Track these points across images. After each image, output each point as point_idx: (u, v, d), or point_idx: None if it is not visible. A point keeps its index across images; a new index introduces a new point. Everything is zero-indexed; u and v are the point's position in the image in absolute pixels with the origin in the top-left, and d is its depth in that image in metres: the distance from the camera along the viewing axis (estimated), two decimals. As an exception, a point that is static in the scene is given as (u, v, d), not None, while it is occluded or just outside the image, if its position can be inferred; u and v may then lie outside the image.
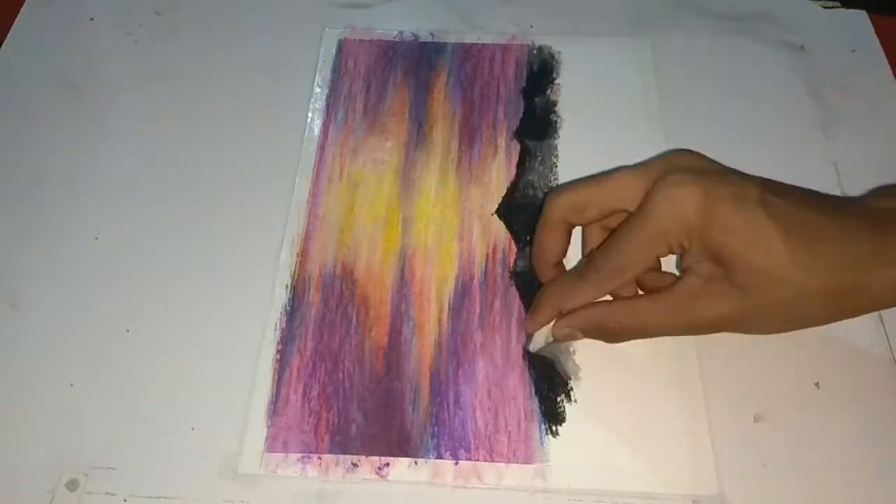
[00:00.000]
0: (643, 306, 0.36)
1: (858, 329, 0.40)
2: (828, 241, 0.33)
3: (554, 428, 0.37)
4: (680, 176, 0.34)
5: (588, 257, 0.37)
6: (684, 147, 0.37)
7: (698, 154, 0.36)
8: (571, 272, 0.38)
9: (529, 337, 0.39)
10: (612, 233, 0.36)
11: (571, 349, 0.39)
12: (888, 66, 0.50)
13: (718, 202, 0.33)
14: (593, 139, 0.47)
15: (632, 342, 0.37)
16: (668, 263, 0.38)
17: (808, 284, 0.33)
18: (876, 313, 0.40)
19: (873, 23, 0.53)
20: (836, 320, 0.35)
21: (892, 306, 0.34)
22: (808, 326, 0.35)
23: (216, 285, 0.41)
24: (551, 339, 0.38)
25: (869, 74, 0.50)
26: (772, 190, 0.34)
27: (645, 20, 0.53)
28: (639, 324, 0.36)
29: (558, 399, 0.38)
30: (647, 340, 0.39)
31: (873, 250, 0.33)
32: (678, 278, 0.35)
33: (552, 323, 0.37)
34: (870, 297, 0.34)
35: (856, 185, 0.45)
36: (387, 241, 0.43)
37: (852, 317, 0.35)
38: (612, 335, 0.37)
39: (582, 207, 0.36)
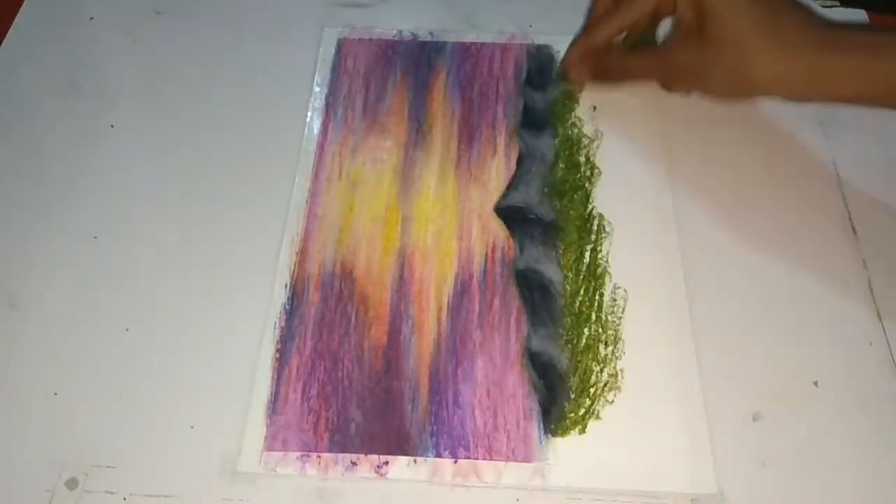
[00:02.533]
0: (635, 53, 0.46)
1: (857, 328, 0.40)
2: (790, 21, 0.40)
3: (553, 427, 0.37)
4: None
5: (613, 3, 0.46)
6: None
7: None
8: None
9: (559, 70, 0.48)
10: None
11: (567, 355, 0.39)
12: (887, 66, 0.50)
13: None
14: (592, 138, 0.47)
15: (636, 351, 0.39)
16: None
17: (759, 46, 0.39)
18: (875, 312, 0.40)
19: (872, 22, 0.53)
20: (776, 93, 0.41)
21: (829, 100, 0.41)
22: (753, 93, 0.43)
23: (216, 284, 0.41)
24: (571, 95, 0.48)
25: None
26: None
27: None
28: (627, 64, 0.46)
29: (557, 398, 0.38)
30: (647, 340, 0.39)
31: (825, 39, 0.39)
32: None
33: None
34: (807, 78, 0.39)
35: (855, 184, 0.45)
36: (386, 241, 0.43)
37: (789, 98, 0.41)
38: (605, 74, 0.47)
39: None
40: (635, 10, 0.44)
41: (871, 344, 0.39)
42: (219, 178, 0.45)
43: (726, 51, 0.40)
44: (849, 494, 0.35)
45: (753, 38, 0.39)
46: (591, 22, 0.47)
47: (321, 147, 0.46)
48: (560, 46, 0.51)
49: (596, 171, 0.45)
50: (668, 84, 0.45)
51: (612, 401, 0.38)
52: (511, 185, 0.45)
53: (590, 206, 0.44)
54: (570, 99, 0.48)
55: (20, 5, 0.54)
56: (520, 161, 0.46)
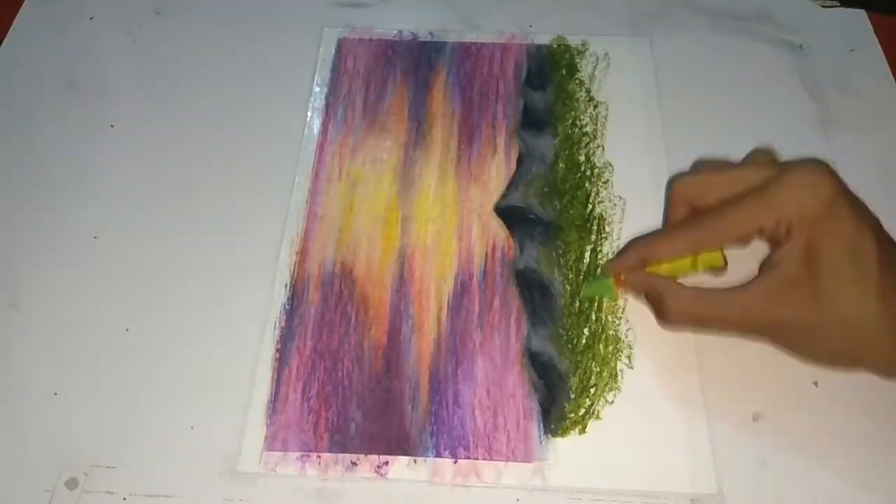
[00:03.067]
0: (714, 294, 0.36)
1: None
2: None
3: (553, 427, 0.37)
4: (818, 166, 0.34)
5: (689, 215, 0.38)
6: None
7: (828, 163, 0.35)
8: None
9: (593, 278, 0.41)
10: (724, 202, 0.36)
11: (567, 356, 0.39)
12: (887, 66, 0.50)
13: (844, 210, 0.33)
14: (592, 137, 0.47)
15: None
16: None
17: (882, 317, 0.33)
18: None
19: (872, 22, 0.53)
20: (891, 373, 0.35)
21: None
22: (863, 365, 0.35)
23: (215, 284, 0.41)
24: (610, 290, 0.39)
25: (868, 73, 0.50)
26: (885, 232, 0.35)
27: (644, 19, 0.53)
28: (701, 309, 0.36)
29: (557, 398, 0.38)
30: (647, 339, 0.39)
31: None
32: (757, 276, 0.35)
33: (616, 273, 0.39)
34: None
35: (854, 184, 0.45)
36: (386, 240, 0.43)
37: None
38: (668, 312, 0.36)
39: (705, 190, 0.37)
40: (728, 234, 0.35)
41: (871, 344, 0.39)
42: (219, 178, 0.45)
43: (847, 319, 0.33)
44: (849, 494, 0.35)
45: (878, 301, 0.33)
46: (656, 232, 0.39)
47: (321, 147, 0.46)
48: (560, 48, 0.51)
49: (596, 170, 0.45)
50: (750, 336, 0.36)
51: (612, 401, 0.38)
52: (511, 185, 0.45)
53: (590, 206, 0.44)
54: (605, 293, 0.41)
55: (20, 5, 0.54)
56: (520, 161, 0.46)
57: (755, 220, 0.35)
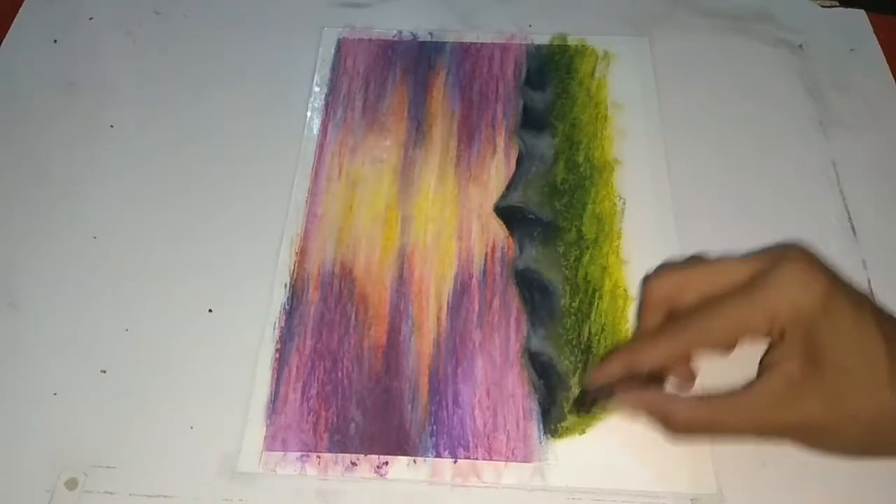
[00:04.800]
0: (717, 401, 0.33)
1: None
2: None
3: (552, 427, 0.37)
4: (806, 258, 0.32)
5: (669, 316, 0.35)
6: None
7: (811, 250, 0.33)
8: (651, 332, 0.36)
9: (583, 395, 0.36)
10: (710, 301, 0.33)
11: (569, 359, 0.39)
12: (887, 65, 0.50)
13: (839, 301, 0.31)
14: (591, 137, 0.47)
15: None
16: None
17: None
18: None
19: (872, 22, 0.53)
20: None
21: None
22: (888, 455, 0.33)
23: (215, 284, 0.41)
24: (599, 404, 0.36)
25: (868, 73, 0.50)
26: (881, 310, 0.33)
27: (644, 19, 0.53)
28: (709, 418, 0.33)
29: (557, 398, 0.38)
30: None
31: None
32: (758, 378, 0.33)
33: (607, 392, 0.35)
34: None
35: (855, 184, 0.45)
36: (386, 240, 0.43)
37: None
38: (675, 426, 0.33)
39: (683, 289, 0.34)
40: (715, 336, 0.33)
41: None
42: (218, 178, 0.45)
43: (860, 408, 0.31)
44: (848, 495, 0.35)
45: (894, 394, 0.31)
46: (641, 337, 0.36)
47: (321, 147, 0.46)
48: (560, 47, 0.51)
49: (596, 170, 0.45)
50: (763, 439, 0.33)
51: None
52: (511, 185, 0.45)
53: (590, 206, 0.44)
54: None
55: (20, 5, 0.54)
56: (519, 161, 0.46)
57: (745, 321, 0.32)
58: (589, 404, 0.36)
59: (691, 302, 0.34)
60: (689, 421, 0.33)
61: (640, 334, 0.36)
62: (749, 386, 0.33)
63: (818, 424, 0.32)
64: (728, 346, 0.34)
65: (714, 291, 0.33)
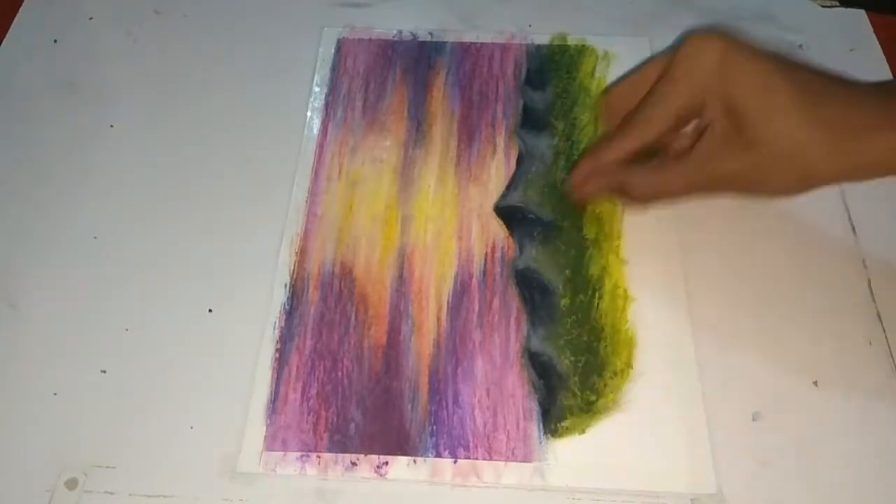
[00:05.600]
0: (664, 166, 0.39)
1: (857, 328, 0.40)
2: (835, 103, 0.35)
3: (552, 427, 0.37)
4: (702, 33, 0.37)
5: (623, 117, 0.40)
6: None
7: (716, 27, 0.38)
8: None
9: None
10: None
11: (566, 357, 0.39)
12: (887, 65, 0.50)
13: (736, 55, 0.36)
14: (591, 138, 0.47)
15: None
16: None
17: (813, 139, 0.34)
18: (874, 312, 0.40)
19: (872, 22, 0.53)
20: (839, 180, 0.37)
21: (892, 174, 0.36)
22: (814, 186, 0.37)
23: (215, 284, 0.41)
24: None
25: (868, 73, 0.49)
26: (783, 56, 0.36)
27: (643, 19, 0.53)
28: (659, 182, 0.39)
29: (557, 398, 0.38)
30: (647, 339, 0.39)
31: (878, 115, 0.35)
32: (698, 142, 0.37)
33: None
34: (871, 161, 0.35)
35: (855, 187, 0.45)
36: (386, 240, 0.43)
37: (854, 180, 0.37)
38: (635, 194, 0.39)
39: (629, 95, 0.40)
40: (654, 123, 0.38)
41: (870, 343, 0.39)
42: (218, 178, 0.45)
43: (781, 153, 0.35)
44: (849, 494, 0.35)
45: (803, 127, 0.34)
46: (600, 140, 0.42)
47: (321, 146, 0.46)
48: (560, 47, 0.51)
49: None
50: (710, 194, 0.39)
51: (612, 401, 0.38)
52: (511, 185, 0.45)
53: (589, 206, 0.44)
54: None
55: (20, 5, 0.54)
56: (519, 161, 0.46)
57: (670, 100, 0.37)
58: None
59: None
60: (646, 185, 0.39)
61: (600, 137, 0.43)
62: (691, 151, 0.37)
63: (746, 172, 0.36)
64: (674, 127, 0.38)
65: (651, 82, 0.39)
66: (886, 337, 0.40)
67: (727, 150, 0.36)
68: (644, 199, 0.40)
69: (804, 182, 0.36)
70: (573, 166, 0.43)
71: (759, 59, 0.36)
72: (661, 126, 0.38)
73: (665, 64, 0.38)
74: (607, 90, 0.42)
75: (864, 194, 0.44)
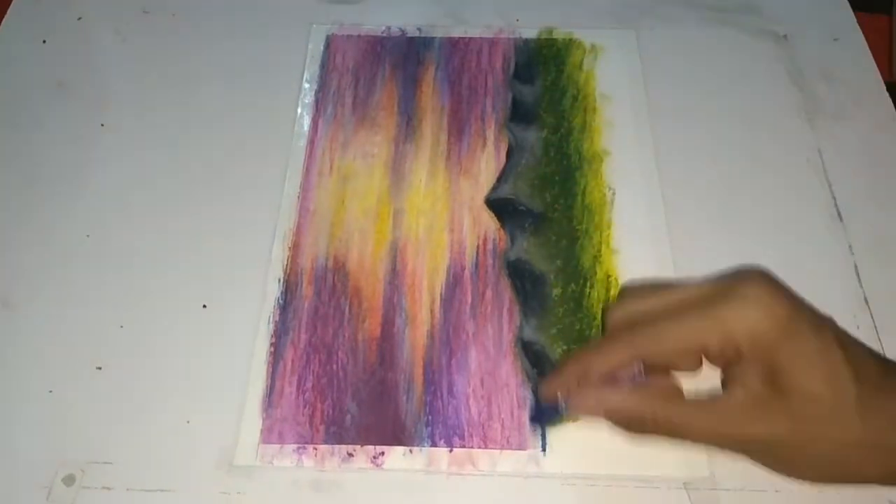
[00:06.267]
0: (687, 405, 0.32)
1: (845, 313, 0.40)
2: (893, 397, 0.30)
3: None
4: (767, 282, 0.31)
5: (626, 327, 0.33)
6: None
7: (770, 273, 0.32)
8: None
9: (539, 408, 0.37)
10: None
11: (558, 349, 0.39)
12: (870, 54, 0.51)
13: (801, 326, 0.30)
14: (580, 129, 0.47)
15: None
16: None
17: (868, 433, 0.30)
18: (862, 297, 0.41)
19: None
20: (886, 484, 0.32)
21: None
22: (853, 482, 0.32)
23: (209, 280, 0.41)
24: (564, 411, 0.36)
25: (851, 62, 0.51)
26: (844, 333, 0.31)
27: (630, 12, 0.53)
28: (677, 421, 0.31)
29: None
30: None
31: None
32: (723, 389, 0.32)
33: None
34: None
35: (840, 173, 0.45)
36: (378, 234, 0.43)
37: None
38: (640, 425, 0.32)
39: (644, 314, 0.32)
40: (667, 342, 0.31)
41: (858, 327, 0.40)
42: (210, 176, 0.45)
43: (826, 431, 0.30)
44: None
45: (860, 419, 0.30)
46: (589, 344, 0.37)
47: (312, 142, 0.47)
48: (547, 41, 0.51)
49: (585, 161, 0.46)
50: (735, 449, 0.32)
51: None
52: (501, 178, 0.45)
53: (579, 197, 0.44)
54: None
55: (8, 6, 0.53)
56: (509, 154, 0.46)
57: (698, 334, 0.31)
58: (547, 419, 0.37)
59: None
60: (658, 420, 0.32)
61: (592, 343, 0.36)
62: (714, 396, 0.32)
63: (782, 443, 0.31)
64: (681, 357, 0.32)
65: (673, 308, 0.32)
66: (874, 321, 0.40)
67: (765, 411, 0.30)
68: (648, 429, 0.32)
69: (846, 473, 0.31)
70: (552, 372, 0.35)
71: (821, 334, 0.30)
72: (673, 352, 0.32)
73: (706, 293, 0.31)
74: (616, 305, 0.34)
75: (850, 180, 0.45)
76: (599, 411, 0.32)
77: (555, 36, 0.52)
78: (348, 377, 0.38)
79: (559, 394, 0.33)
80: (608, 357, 0.32)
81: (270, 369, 0.38)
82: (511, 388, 0.38)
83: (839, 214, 0.44)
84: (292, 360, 0.39)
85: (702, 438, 0.32)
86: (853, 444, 0.30)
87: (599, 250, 0.42)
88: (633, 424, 0.32)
